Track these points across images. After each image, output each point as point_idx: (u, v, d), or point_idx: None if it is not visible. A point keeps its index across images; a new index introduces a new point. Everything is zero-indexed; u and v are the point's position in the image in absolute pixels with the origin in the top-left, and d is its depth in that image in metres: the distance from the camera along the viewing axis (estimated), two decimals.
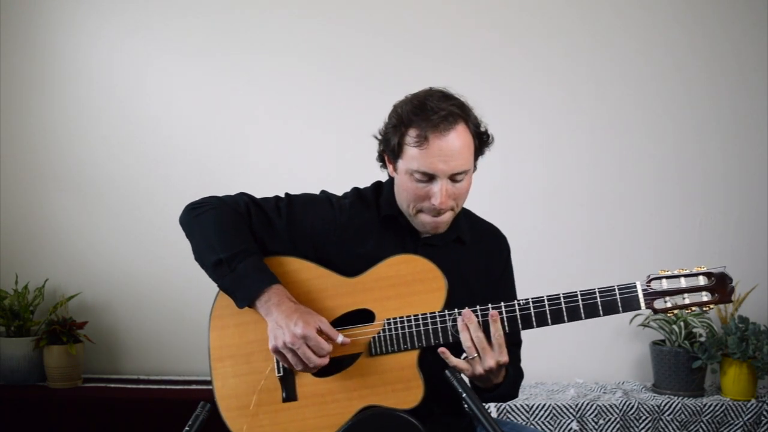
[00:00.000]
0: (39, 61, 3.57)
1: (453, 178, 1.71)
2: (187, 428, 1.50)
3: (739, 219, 3.57)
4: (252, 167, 3.57)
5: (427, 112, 1.69)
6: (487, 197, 3.51)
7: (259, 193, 1.95)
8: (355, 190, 1.89)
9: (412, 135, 1.70)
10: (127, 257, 3.54)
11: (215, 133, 3.59)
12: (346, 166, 3.32)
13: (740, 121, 3.57)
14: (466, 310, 1.67)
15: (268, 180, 3.52)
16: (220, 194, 3.78)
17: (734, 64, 3.57)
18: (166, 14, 3.58)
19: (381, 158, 1.85)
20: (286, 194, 1.85)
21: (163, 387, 3.33)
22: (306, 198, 1.85)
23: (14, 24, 3.56)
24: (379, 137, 1.81)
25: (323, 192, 1.88)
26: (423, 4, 3.60)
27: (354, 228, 1.81)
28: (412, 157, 1.70)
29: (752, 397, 3.20)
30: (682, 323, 3.25)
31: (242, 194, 1.84)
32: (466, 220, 1.88)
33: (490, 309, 1.68)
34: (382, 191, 1.87)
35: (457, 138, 1.70)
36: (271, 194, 1.90)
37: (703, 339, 3.29)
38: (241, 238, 1.73)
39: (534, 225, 3.56)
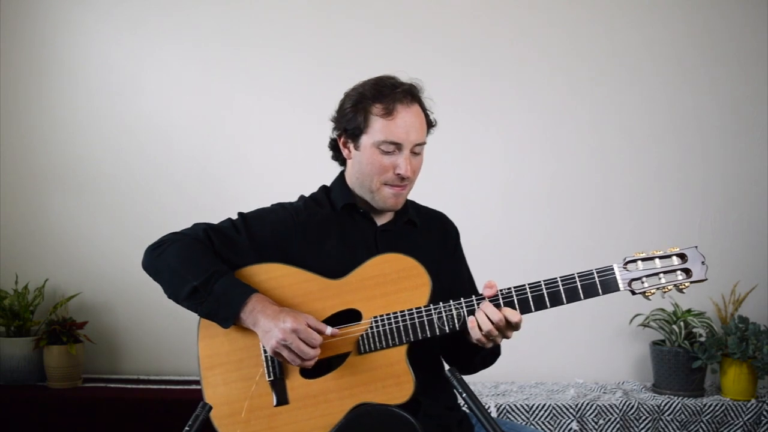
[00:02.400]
0: (38, 61, 3.58)
1: (413, 149, 1.81)
2: (187, 428, 1.50)
3: (739, 219, 3.57)
4: (252, 165, 3.57)
5: (390, 87, 1.81)
6: (490, 196, 3.55)
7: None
8: (303, 195, 1.96)
9: (378, 108, 1.79)
10: (128, 257, 3.51)
11: (215, 131, 3.59)
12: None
13: (741, 121, 3.58)
14: (486, 302, 1.70)
15: (268, 178, 3.54)
16: (219, 194, 3.77)
17: (735, 64, 3.57)
18: (163, 9, 3.58)
19: (334, 145, 1.93)
20: (239, 213, 1.88)
21: (163, 387, 3.33)
22: (259, 212, 1.89)
23: (12, 23, 3.57)
24: (334, 121, 1.90)
25: (273, 204, 1.92)
26: (430, 2, 3.60)
27: (314, 224, 1.85)
28: (378, 129, 1.79)
29: (752, 397, 3.20)
30: (681, 323, 3.25)
31: (197, 224, 1.86)
32: (411, 206, 1.97)
33: (475, 300, 1.71)
34: (332, 190, 1.94)
35: (417, 112, 1.83)
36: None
37: (703, 339, 3.28)
38: (210, 262, 1.75)
39: (535, 224, 3.57)
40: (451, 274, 1.91)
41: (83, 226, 3.58)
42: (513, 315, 1.68)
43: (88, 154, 3.58)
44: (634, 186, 3.58)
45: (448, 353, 1.93)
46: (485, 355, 1.85)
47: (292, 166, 3.54)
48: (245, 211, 1.89)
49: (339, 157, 1.94)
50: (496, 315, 1.67)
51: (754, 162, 3.57)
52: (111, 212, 3.58)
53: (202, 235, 1.80)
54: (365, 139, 1.81)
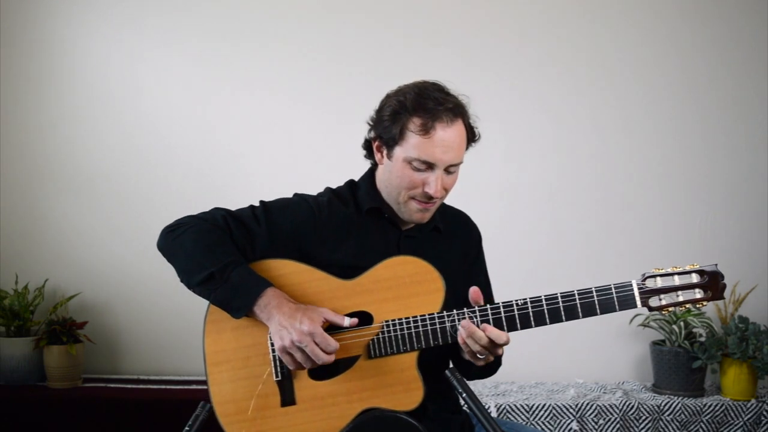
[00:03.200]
0: (37, 61, 3.57)
1: (447, 169, 1.75)
2: (187, 428, 1.49)
3: (740, 219, 3.57)
4: (251, 166, 3.56)
5: (432, 102, 1.72)
6: (491, 197, 3.54)
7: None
8: (329, 189, 1.91)
9: (416, 123, 1.72)
10: (127, 258, 3.54)
11: (215, 131, 3.58)
12: (347, 167, 3.32)
13: (741, 121, 3.58)
14: (466, 320, 1.67)
15: (268, 179, 3.54)
16: (219, 194, 3.77)
17: (737, 66, 3.58)
18: (163, 9, 3.57)
19: (368, 145, 1.86)
20: (261, 202, 1.83)
21: (162, 387, 3.33)
22: (281, 202, 1.84)
23: (12, 23, 3.56)
24: (371, 124, 1.83)
25: (296, 194, 1.88)
26: (431, 1, 3.60)
27: (335, 224, 1.81)
28: (413, 145, 1.72)
29: (752, 397, 3.20)
30: (682, 323, 3.25)
31: (217, 209, 1.81)
32: (437, 209, 1.91)
33: (489, 310, 1.68)
34: (359, 188, 1.88)
35: (458, 131, 1.75)
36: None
37: (703, 339, 3.28)
38: (228, 250, 1.71)
39: (537, 224, 3.57)
40: (470, 281, 1.85)
41: (83, 226, 3.57)
42: (499, 337, 1.64)
43: (87, 153, 3.58)
44: (636, 187, 3.59)
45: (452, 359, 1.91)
46: (481, 367, 1.81)
47: (292, 166, 3.53)
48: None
49: (372, 157, 1.88)
50: (483, 339, 1.64)
51: (755, 162, 3.57)
52: (111, 212, 3.57)
53: (221, 222, 1.76)
54: (398, 151, 1.74)
